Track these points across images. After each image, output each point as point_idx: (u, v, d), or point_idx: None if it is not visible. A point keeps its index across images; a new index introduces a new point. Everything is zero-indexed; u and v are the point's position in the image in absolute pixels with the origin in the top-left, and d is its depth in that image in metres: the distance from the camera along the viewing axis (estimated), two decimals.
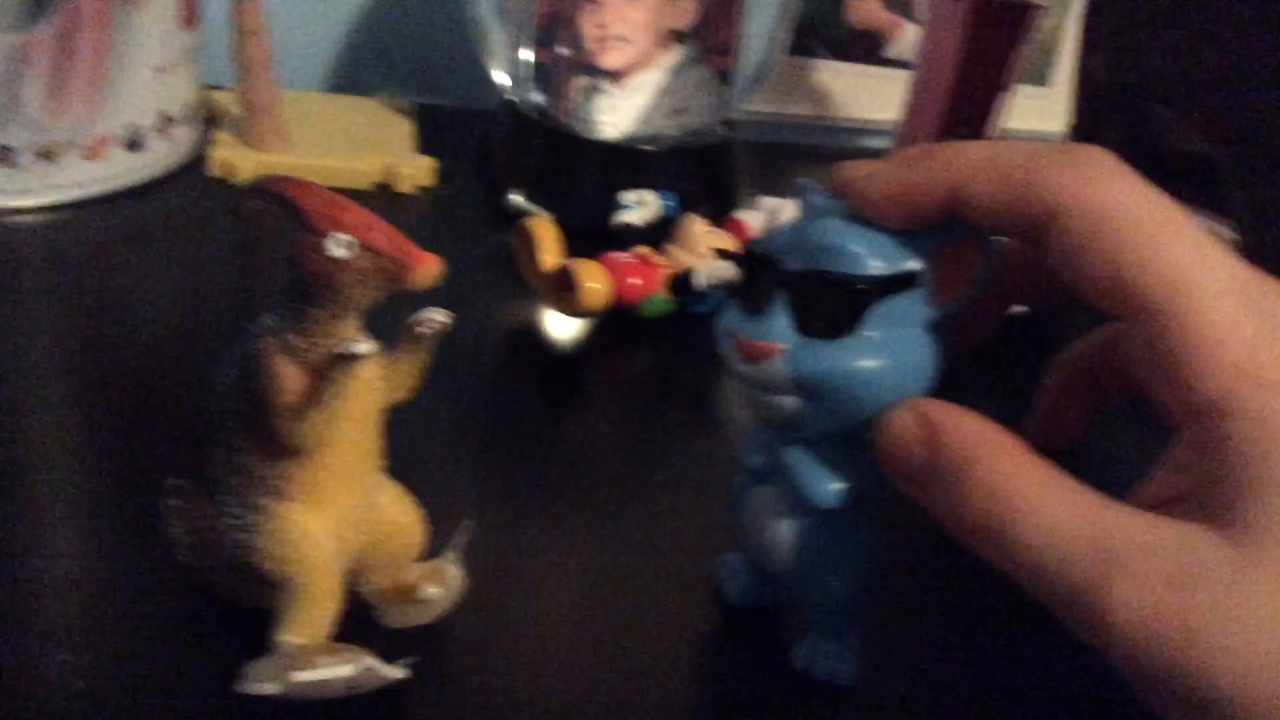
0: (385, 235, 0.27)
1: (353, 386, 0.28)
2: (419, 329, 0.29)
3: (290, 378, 0.28)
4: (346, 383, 0.27)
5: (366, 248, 0.27)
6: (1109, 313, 0.25)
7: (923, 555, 0.41)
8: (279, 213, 0.27)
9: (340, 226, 0.27)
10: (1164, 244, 0.24)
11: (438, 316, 0.29)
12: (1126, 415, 0.32)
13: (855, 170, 0.29)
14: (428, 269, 0.27)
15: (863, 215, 0.28)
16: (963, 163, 0.26)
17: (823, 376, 0.28)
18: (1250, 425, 0.23)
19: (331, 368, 0.27)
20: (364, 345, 0.27)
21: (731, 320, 0.30)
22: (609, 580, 0.37)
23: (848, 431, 0.29)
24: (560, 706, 0.32)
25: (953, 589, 0.40)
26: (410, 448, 0.32)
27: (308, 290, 0.27)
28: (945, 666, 0.36)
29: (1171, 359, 0.24)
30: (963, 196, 0.26)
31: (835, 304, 0.28)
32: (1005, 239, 0.29)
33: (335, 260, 0.27)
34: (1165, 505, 0.24)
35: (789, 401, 0.29)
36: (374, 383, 0.30)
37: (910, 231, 0.28)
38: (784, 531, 0.32)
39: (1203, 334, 0.23)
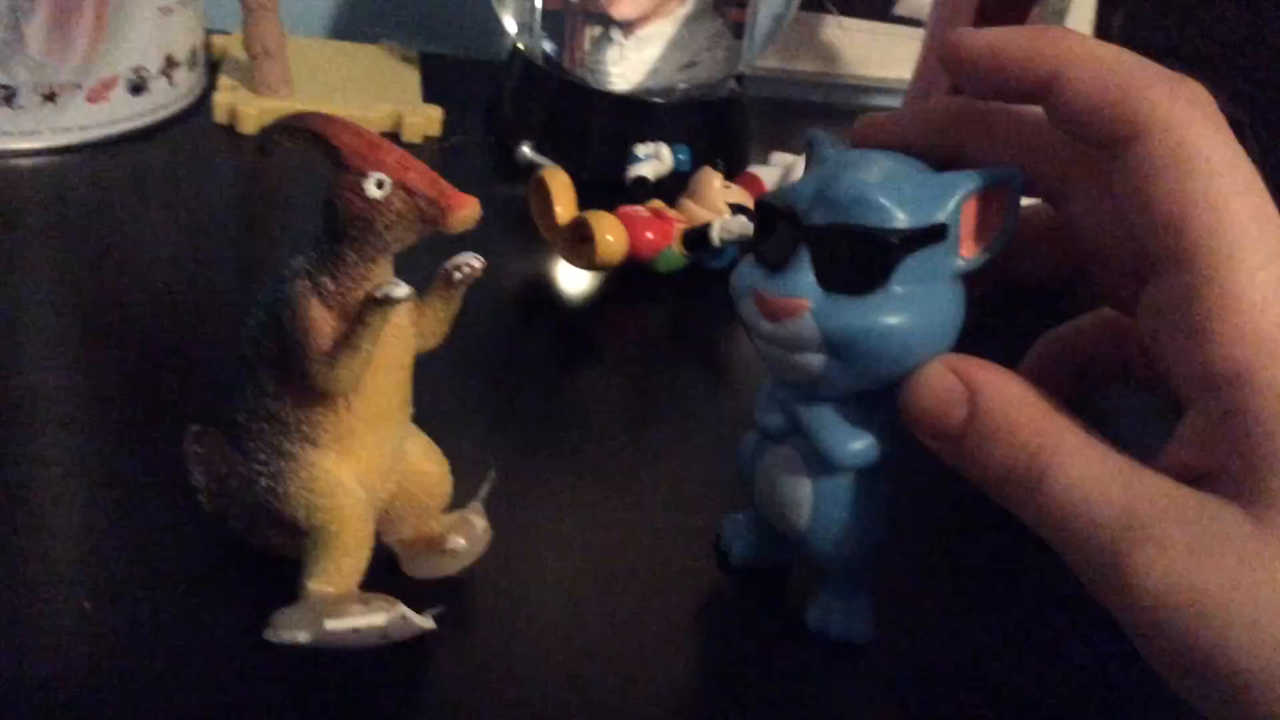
0: (423, 176, 0.26)
1: (386, 332, 0.27)
2: (455, 274, 0.29)
3: (323, 321, 0.27)
4: (381, 327, 0.27)
5: (404, 188, 0.26)
6: (1152, 249, 0.24)
7: (931, 510, 0.41)
8: (312, 151, 0.27)
9: (378, 166, 0.26)
10: (1231, 200, 0.23)
11: (474, 262, 0.29)
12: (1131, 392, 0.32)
13: (964, 31, 0.27)
14: (467, 211, 0.26)
15: (949, 67, 0.27)
16: (1070, 49, 0.25)
17: (852, 333, 0.27)
18: (1273, 400, 0.23)
19: (367, 312, 0.26)
20: (401, 289, 0.26)
21: (751, 278, 0.29)
22: (622, 532, 0.37)
23: (870, 388, 0.29)
24: (577, 658, 0.31)
25: (961, 544, 0.40)
26: (422, 399, 0.31)
27: (342, 232, 0.27)
28: (955, 621, 0.36)
29: (1202, 318, 0.23)
30: (1059, 83, 0.25)
31: (864, 258, 0.27)
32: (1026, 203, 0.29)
33: (372, 201, 0.26)
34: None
35: (815, 359, 0.28)
36: (406, 328, 0.29)
37: (939, 180, 0.27)
38: (803, 492, 0.31)
39: (1239, 299, 0.23)
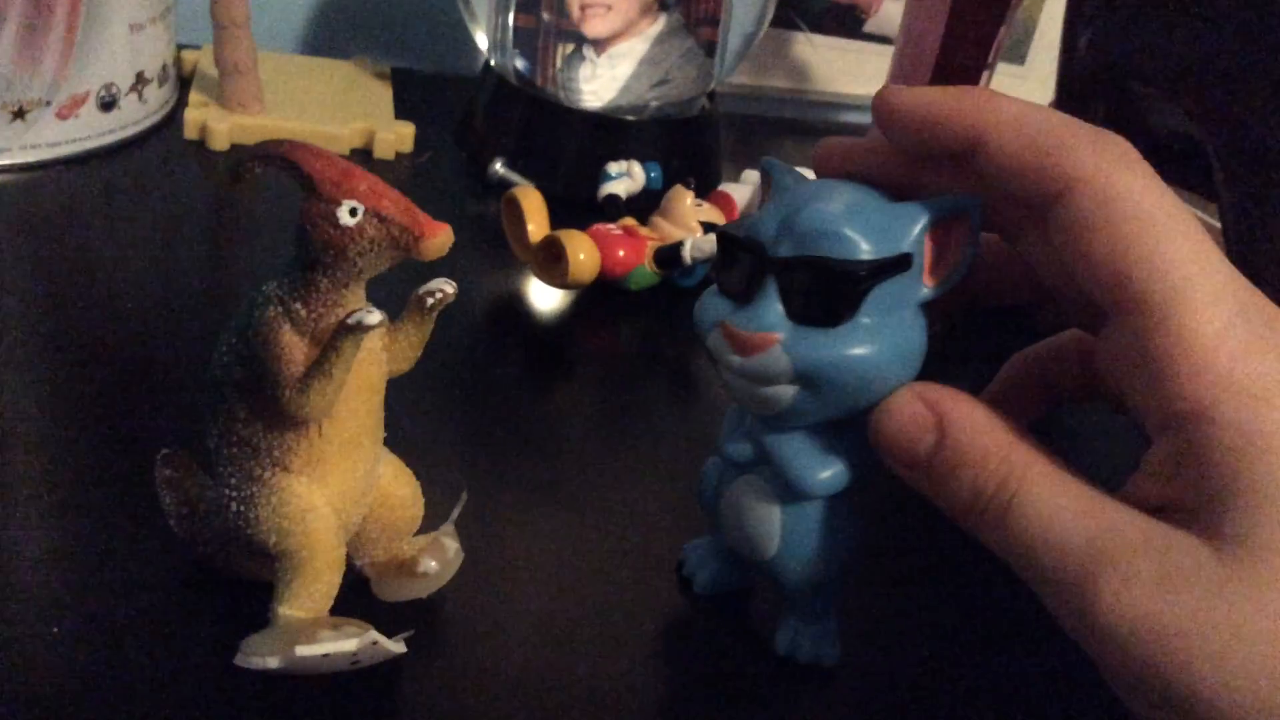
0: (396, 203, 0.26)
1: (359, 357, 0.27)
2: (428, 300, 0.29)
3: (295, 348, 0.27)
4: (354, 354, 0.27)
5: (377, 215, 0.26)
6: (1099, 300, 0.25)
7: (897, 534, 0.42)
8: (286, 178, 0.27)
9: (350, 193, 0.26)
10: (1169, 244, 0.24)
11: (446, 287, 0.29)
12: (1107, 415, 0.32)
13: (893, 85, 0.28)
14: (440, 239, 0.26)
15: (881, 126, 0.28)
16: (995, 111, 0.26)
17: (824, 366, 0.27)
18: (1233, 435, 0.23)
19: (339, 338, 0.26)
20: (374, 316, 0.26)
21: (717, 310, 0.29)
22: (593, 553, 0.37)
23: (838, 417, 0.29)
24: (549, 680, 0.31)
25: (927, 565, 0.40)
26: (393, 419, 0.31)
27: (315, 258, 0.27)
28: (921, 639, 0.37)
29: (1158, 360, 0.24)
30: (984, 144, 0.26)
31: (834, 291, 0.27)
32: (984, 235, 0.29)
33: (345, 228, 0.26)
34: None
35: (786, 392, 0.28)
36: (379, 353, 0.29)
37: (901, 210, 0.28)
38: (771, 520, 0.31)
39: (1193, 339, 0.23)
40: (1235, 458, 0.23)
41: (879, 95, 0.28)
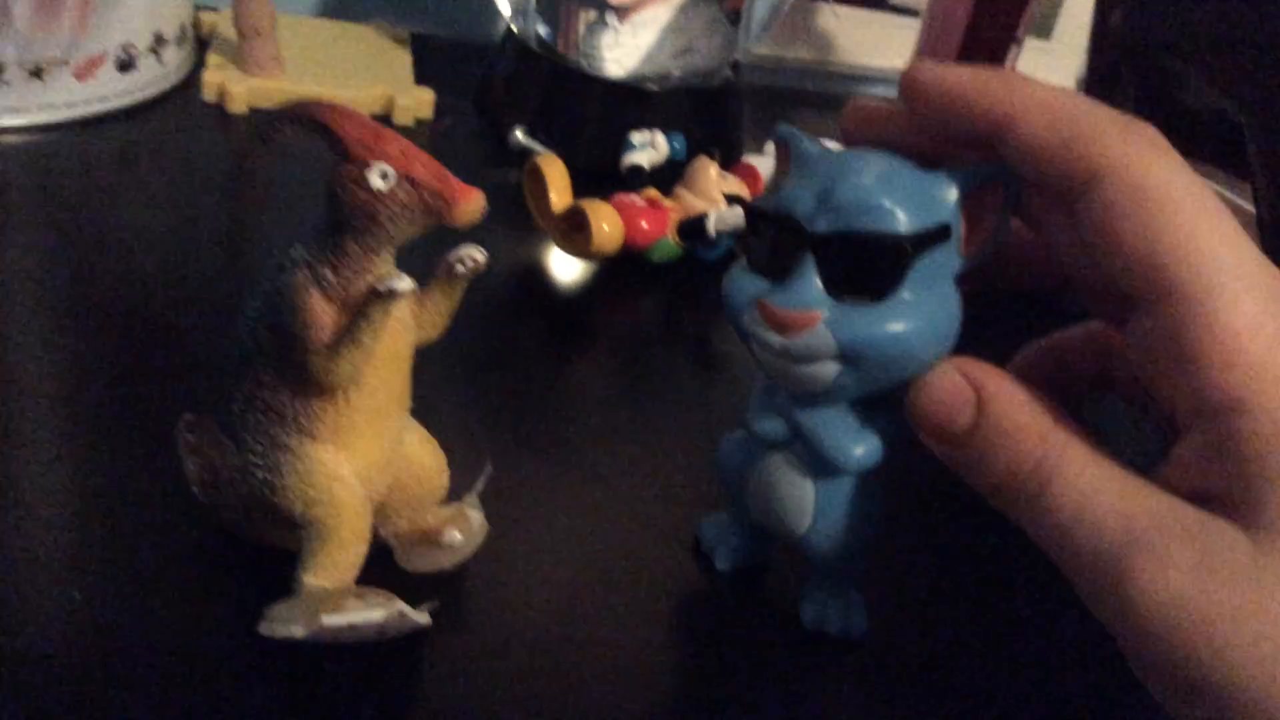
0: (428, 168, 0.26)
1: (388, 325, 0.27)
2: (458, 267, 0.28)
3: (324, 314, 0.26)
4: (383, 321, 0.26)
5: (409, 180, 0.26)
6: (1129, 288, 0.24)
7: (923, 506, 0.41)
8: (316, 140, 0.26)
9: (382, 157, 0.25)
10: (1201, 232, 0.23)
11: (476, 254, 0.28)
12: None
13: (922, 62, 0.28)
14: (472, 204, 0.26)
15: (908, 103, 0.27)
16: (1024, 95, 0.26)
17: (869, 342, 0.27)
18: (1268, 424, 0.22)
19: (369, 305, 0.26)
20: (405, 283, 0.26)
21: (751, 289, 0.28)
22: (616, 526, 0.36)
23: (876, 392, 0.28)
24: (573, 653, 0.31)
25: (952, 537, 0.40)
26: (416, 389, 0.31)
27: (344, 223, 0.26)
28: (947, 613, 0.36)
29: (1191, 349, 0.23)
30: (1012, 128, 0.25)
31: (878, 265, 0.26)
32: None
33: (376, 192, 0.26)
34: None
35: (829, 369, 0.27)
36: (407, 321, 0.29)
37: (937, 179, 0.27)
38: (805, 497, 0.31)
39: (1226, 328, 0.23)
40: (1270, 447, 0.22)
41: (907, 72, 0.28)
